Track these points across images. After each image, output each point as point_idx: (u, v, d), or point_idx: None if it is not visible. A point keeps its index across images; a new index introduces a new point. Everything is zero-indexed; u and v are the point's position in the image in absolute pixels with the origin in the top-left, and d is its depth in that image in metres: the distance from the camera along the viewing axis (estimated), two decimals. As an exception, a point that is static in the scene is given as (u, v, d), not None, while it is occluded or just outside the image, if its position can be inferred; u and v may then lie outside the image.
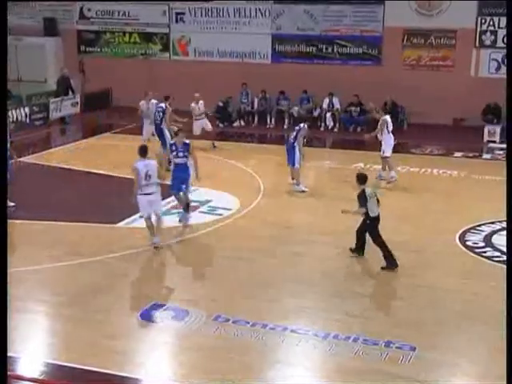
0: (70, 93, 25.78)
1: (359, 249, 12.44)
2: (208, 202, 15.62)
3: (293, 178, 16.64)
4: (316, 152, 20.89)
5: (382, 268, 11.89)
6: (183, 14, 27.00)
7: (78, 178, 17.87)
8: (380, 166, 17.59)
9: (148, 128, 19.37)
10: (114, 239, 13.64)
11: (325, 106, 24.39)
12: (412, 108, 23.61)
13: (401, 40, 24.64)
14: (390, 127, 17.39)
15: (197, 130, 20.50)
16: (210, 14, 26.60)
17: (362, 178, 12.21)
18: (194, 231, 13.86)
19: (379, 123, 17.40)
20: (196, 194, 16.11)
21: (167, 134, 18.03)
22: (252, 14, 26.07)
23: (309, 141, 18.48)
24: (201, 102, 20.80)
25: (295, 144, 16.50)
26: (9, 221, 14.19)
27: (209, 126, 20.81)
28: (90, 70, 27.76)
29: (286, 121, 24.59)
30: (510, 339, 6.96)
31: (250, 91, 25.18)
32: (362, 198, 11.95)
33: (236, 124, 24.94)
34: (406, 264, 12.08)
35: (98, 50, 28.55)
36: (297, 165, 16.41)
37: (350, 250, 12.47)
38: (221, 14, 26.42)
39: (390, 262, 11.88)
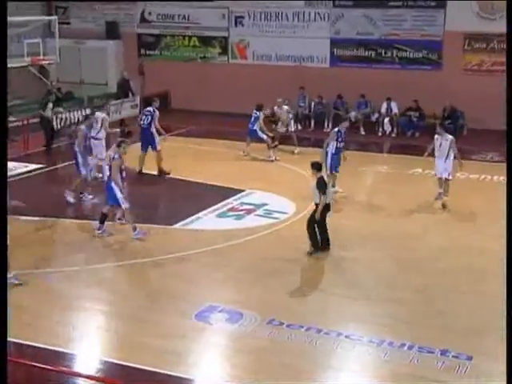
0: (130, 95, 26.11)
1: (324, 244, 12.69)
2: (264, 205, 15.61)
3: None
4: (373, 157, 20.74)
5: (309, 253, 12.54)
6: (242, 17, 27.09)
7: (136, 179, 18.05)
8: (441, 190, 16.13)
9: None
10: (170, 240, 13.76)
11: (383, 110, 24.15)
12: (472, 113, 23.19)
13: (462, 44, 24.24)
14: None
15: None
16: (269, 17, 26.63)
17: (318, 166, 12.54)
18: (250, 234, 13.86)
19: (449, 143, 15.73)
20: (252, 197, 16.17)
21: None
22: (311, 18, 26.01)
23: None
24: (285, 107, 21.04)
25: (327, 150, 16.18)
26: (68, 220, 14.56)
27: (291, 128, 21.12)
28: (150, 72, 28.10)
29: (344, 125, 24.39)
30: (510, 339, 6.84)
31: (308, 95, 25.10)
32: (322, 185, 12.28)
33: (293, 128, 24.82)
34: (468, 270, 11.88)
35: (158, 53, 28.85)
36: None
37: (309, 253, 12.62)
38: (280, 17, 26.43)
39: (315, 248, 12.54)
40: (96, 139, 16.89)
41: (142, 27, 28.78)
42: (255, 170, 18.33)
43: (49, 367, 7.88)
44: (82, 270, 12.17)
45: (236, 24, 27.29)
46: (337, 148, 16.03)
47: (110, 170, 13.57)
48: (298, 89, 25.06)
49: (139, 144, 18.08)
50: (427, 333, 9.86)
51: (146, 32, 28.79)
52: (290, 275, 11.98)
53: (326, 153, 16.03)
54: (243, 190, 16.65)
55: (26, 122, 21.31)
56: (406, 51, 25.12)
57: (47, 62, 19.62)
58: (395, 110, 24.03)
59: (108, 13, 28.92)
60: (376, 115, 24.45)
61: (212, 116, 25.52)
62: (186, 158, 19.48)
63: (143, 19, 28.71)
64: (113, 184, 13.40)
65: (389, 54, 25.37)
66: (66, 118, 23.54)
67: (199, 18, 27.73)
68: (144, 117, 18.44)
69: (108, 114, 18.05)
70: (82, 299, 11.11)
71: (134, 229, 13.53)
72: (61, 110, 23.82)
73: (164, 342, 9.61)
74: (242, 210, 15.31)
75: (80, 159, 15.60)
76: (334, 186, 15.92)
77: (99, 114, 17.40)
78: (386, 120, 24.03)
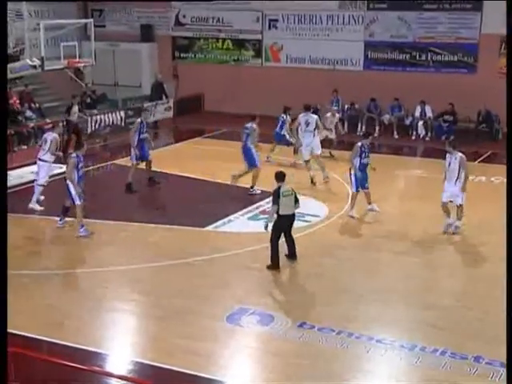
0: (164, 97, 26.27)
1: (291, 254, 12.47)
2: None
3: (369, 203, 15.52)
4: (407, 161, 20.60)
5: (268, 267, 12.10)
6: (276, 20, 27.10)
7: (168, 181, 18.15)
8: None
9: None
10: (202, 242, 13.79)
11: (417, 114, 23.97)
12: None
13: (498, 47, 23.95)
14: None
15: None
16: (302, 20, 26.59)
17: (279, 176, 12.28)
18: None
19: (458, 162, 14.29)
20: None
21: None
22: (345, 21, 25.91)
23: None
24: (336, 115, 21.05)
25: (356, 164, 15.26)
26: (99, 221, 14.68)
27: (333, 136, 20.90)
28: (184, 75, 28.24)
29: (377, 128, 24.31)
30: (510, 339, 6.79)
31: (341, 98, 25.00)
32: (274, 196, 12.04)
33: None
34: (494, 275, 11.73)
35: (192, 55, 28.97)
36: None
37: (268, 267, 12.16)
38: (314, 20, 26.37)
39: (273, 264, 12.09)
40: (42, 161, 15.77)
41: (177, 30, 28.93)
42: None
43: (80, 366, 7.93)
44: (113, 270, 12.25)
45: (270, 27, 27.31)
46: (361, 164, 15.14)
47: (67, 167, 14.05)
48: (332, 92, 24.96)
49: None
50: (460, 339, 9.75)
51: (180, 35, 28.93)
52: (322, 278, 11.93)
53: (350, 169, 15.36)
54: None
55: (61, 124, 21.52)
56: (441, 54, 24.91)
57: (83, 64, 19.79)
58: (429, 113, 23.83)
59: (143, 15, 29.13)
60: (410, 119, 24.28)
61: (245, 119, 25.50)
62: (218, 161, 19.51)
63: (178, 22, 28.85)
64: (68, 181, 13.86)
65: (423, 57, 25.17)
66: (101, 121, 23.79)
67: (233, 21, 27.79)
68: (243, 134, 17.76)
69: (59, 135, 16.74)
70: (113, 300, 11.19)
71: (81, 226, 13.86)
72: (95, 112, 24.07)
73: (195, 343, 9.63)
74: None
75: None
76: (369, 204, 15.37)
77: (48, 135, 16.06)
78: (420, 123, 23.84)
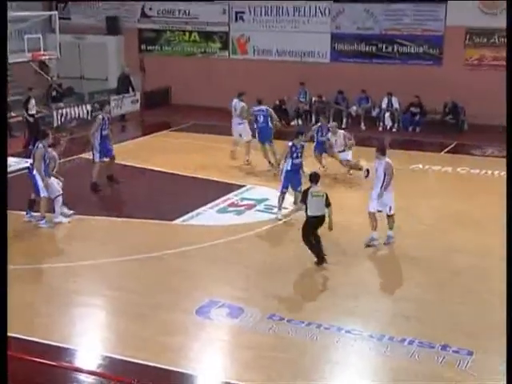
0: (131, 90, 26.14)
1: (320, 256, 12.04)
2: (264, 200, 15.63)
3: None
4: (373, 152, 20.72)
5: (316, 263, 11.97)
6: (243, 12, 27.07)
7: (136, 174, 18.09)
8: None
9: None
10: (170, 236, 13.79)
11: (384, 105, 24.16)
12: (473, 109, 23.19)
13: (463, 39, 24.23)
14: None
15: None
16: (269, 12, 26.60)
17: (312, 177, 12.11)
18: (250, 229, 13.89)
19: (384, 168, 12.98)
20: (252, 192, 16.19)
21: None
22: (311, 13, 25.98)
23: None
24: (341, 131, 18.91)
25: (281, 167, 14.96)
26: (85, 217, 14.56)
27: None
28: (150, 68, 28.10)
29: (344, 120, 24.47)
30: (510, 339, 6.86)
31: (308, 90, 25.10)
32: (303, 195, 12.07)
33: (293, 123, 24.88)
34: (465, 268, 11.90)
35: (159, 48, 28.83)
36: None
37: (316, 263, 11.99)
38: (280, 12, 26.40)
39: (318, 259, 11.98)
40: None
41: (143, 22, 28.77)
42: (256, 165, 18.34)
43: (51, 362, 7.91)
44: (83, 265, 12.20)
45: (236, 19, 27.28)
46: (293, 165, 14.46)
47: (33, 158, 13.91)
48: (299, 84, 25.05)
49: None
50: (428, 329, 9.88)
51: (146, 27, 28.78)
52: (290, 271, 11.99)
53: (281, 170, 14.72)
54: (244, 186, 16.68)
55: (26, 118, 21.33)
56: (407, 46, 25.11)
57: (48, 57, 19.61)
58: (396, 105, 24.05)
59: (109, 8, 28.90)
60: (377, 110, 24.47)
61: (213, 111, 25.51)
62: (185, 154, 19.50)
63: (144, 14, 28.69)
64: (35, 172, 13.81)
65: (390, 49, 25.35)
66: (67, 114, 23.59)
67: (199, 14, 27.72)
68: (259, 116, 18.29)
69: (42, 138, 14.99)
70: (83, 295, 11.14)
71: (43, 218, 13.94)
72: (61, 105, 23.87)
73: (165, 337, 9.64)
74: (242, 206, 15.33)
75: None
76: (295, 203, 14.36)
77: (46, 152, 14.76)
78: (387, 115, 24.04)
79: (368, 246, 12.90)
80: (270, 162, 17.91)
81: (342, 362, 9.19)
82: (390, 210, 12.89)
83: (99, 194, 16.33)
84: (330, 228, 12.01)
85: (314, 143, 17.63)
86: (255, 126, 18.48)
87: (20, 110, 22.09)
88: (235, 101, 18.91)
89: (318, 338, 9.61)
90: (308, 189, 11.98)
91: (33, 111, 20.51)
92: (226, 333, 10.03)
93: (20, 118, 20.91)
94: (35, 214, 14.16)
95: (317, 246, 12.03)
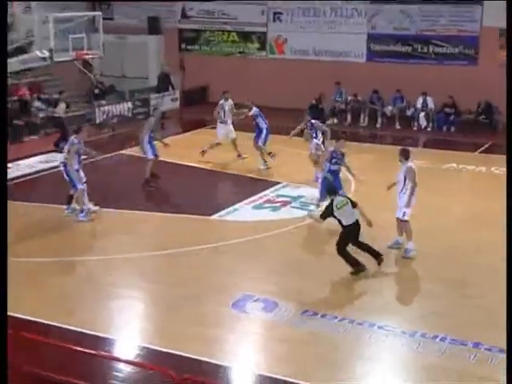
0: (170, 89, 26.25)
1: (376, 256, 11.58)
2: (300, 197, 15.58)
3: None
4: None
5: (351, 273, 11.37)
6: (281, 13, 27.01)
7: (175, 170, 18.16)
8: None
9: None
10: (207, 231, 13.81)
11: (418, 105, 23.91)
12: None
13: (498, 40, 23.85)
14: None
15: None
16: (306, 13, 26.50)
17: (330, 191, 11.81)
18: (285, 226, 13.84)
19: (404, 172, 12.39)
20: (288, 189, 16.14)
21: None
22: (348, 14, 25.82)
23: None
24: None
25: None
26: (107, 210, 14.68)
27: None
28: (190, 67, 28.19)
29: (379, 120, 24.29)
30: (510, 339, 6.78)
31: (344, 90, 24.95)
32: (327, 210, 11.53)
33: (329, 122, 24.74)
34: (497, 266, 11.72)
35: (198, 48, 28.90)
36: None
37: (351, 273, 11.42)
38: (317, 13, 26.27)
39: (355, 268, 11.38)
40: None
41: (183, 23, 28.86)
42: (292, 163, 18.27)
43: (90, 351, 7.97)
44: (121, 258, 12.28)
45: (274, 20, 27.23)
46: (330, 170, 14.14)
47: (68, 153, 14.07)
48: (335, 84, 24.92)
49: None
50: (460, 325, 9.76)
51: (186, 27, 28.87)
52: (324, 267, 11.93)
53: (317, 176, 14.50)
54: (280, 183, 16.64)
55: (70, 115, 21.53)
56: (443, 46, 24.81)
57: (91, 56, 19.75)
58: (431, 104, 23.77)
59: (150, 9, 29.05)
60: (412, 110, 24.22)
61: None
62: (224, 151, 19.50)
63: (184, 15, 28.79)
64: (69, 167, 13.96)
65: (425, 50, 25.07)
66: (109, 111, 23.79)
67: (238, 14, 27.72)
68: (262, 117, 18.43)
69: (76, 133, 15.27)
70: (122, 287, 11.22)
71: (82, 211, 14.01)
72: (103, 102, 24.07)
73: (201, 329, 9.65)
74: (278, 202, 15.30)
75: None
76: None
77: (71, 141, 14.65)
78: (422, 115, 23.79)
79: (391, 248, 12.62)
80: (265, 161, 18.03)
81: (374, 358, 9.11)
82: (403, 215, 12.29)
83: (139, 187, 16.36)
84: (370, 224, 11.58)
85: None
86: (263, 127, 18.33)
87: (47, 110, 22.28)
88: (221, 101, 18.90)
89: (351, 334, 9.54)
90: (330, 204, 11.47)
91: (60, 114, 20.23)
92: (261, 326, 10.01)
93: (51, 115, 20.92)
94: (74, 207, 14.28)
95: (370, 251, 11.55)
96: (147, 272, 11.84)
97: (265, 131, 18.24)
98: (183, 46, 29.11)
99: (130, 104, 24.57)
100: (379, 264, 11.56)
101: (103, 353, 8.75)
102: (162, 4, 28.79)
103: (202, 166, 18.28)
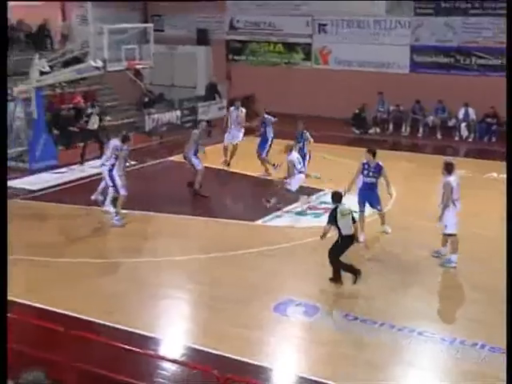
0: (217, 98, 26.40)
1: (337, 276, 11.16)
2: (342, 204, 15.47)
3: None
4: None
5: (354, 282, 11.07)
6: (325, 25, 26.97)
7: (222, 177, 18.25)
8: None
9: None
10: (252, 235, 13.83)
11: (460, 116, 23.62)
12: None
13: (541, 52, 23.43)
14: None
15: None
16: (351, 25, 26.41)
17: (335, 197, 11.30)
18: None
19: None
20: (327, 196, 16.04)
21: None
22: (392, 26, 25.65)
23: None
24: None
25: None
26: (155, 214, 14.81)
27: None
28: (236, 77, 28.33)
29: (421, 129, 24.07)
30: (510, 339, 6.66)
31: (387, 100, 24.79)
32: (331, 216, 11.13)
33: (371, 131, 24.64)
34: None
35: (245, 58, 29.03)
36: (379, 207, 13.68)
37: (330, 279, 11.18)
38: (362, 25, 26.16)
39: (355, 275, 11.10)
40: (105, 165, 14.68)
41: (231, 34, 29.04)
42: (335, 170, 18.20)
43: (136, 350, 8.04)
44: (168, 260, 12.38)
45: (319, 31, 27.20)
46: (364, 183, 13.55)
47: (116, 159, 14.14)
48: (377, 94, 24.78)
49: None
50: (499, 333, 9.58)
51: (233, 38, 29.04)
52: (365, 272, 11.82)
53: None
54: (322, 190, 16.58)
55: (120, 122, 21.81)
56: (484, 58, 24.47)
57: (142, 66, 19.96)
58: (472, 115, 23.46)
59: (199, 21, 29.30)
60: (453, 120, 23.93)
61: (294, 118, 25.49)
62: (271, 157, 19.52)
63: (232, 26, 28.96)
64: (114, 172, 14.10)
65: (467, 61, 24.76)
66: (158, 119, 24.04)
67: (284, 26, 27.76)
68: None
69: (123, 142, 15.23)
70: (168, 288, 11.30)
71: (117, 214, 14.07)
72: (152, 110, 24.32)
73: (244, 331, 9.68)
74: (320, 209, 15.25)
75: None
76: (383, 224, 13.79)
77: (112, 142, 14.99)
78: (463, 125, 23.49)
79: (434, 256, 12.39)
80: (267, 170, 17.99)
81: (414, 364, 9.01)
82: (445, 228, 12.02)
83: (186, 192, 16.41)
84: (357, 240, 11.46)
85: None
86: (269, 137, 18.26)
87: (118, 114, 22.57)
88: (232, 109, 19.09)
89: (391, 339, 9.46)
90: (335, 209, 11.14)
91: (93, 127, 19.57)
92: (302, 330, 9.99)
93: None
94: (124, 211, 14.37)
95: (348, 264, 11.23)
96: (193, 274, 11.91)
97: (269, 142, 18.16)
98: (230, 56, 29.28)
99: (178, 112, 24.79)
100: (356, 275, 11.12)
101: (149, 351, 8.82)
102: (211, 16, 29.02)
103: (247, 172, 18.32)
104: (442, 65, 25.14)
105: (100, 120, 19.69)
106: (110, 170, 14.27)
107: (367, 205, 13.59)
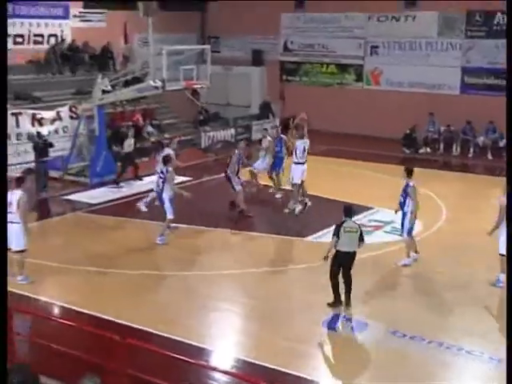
0: (271, 117, 26.48)
1: (346, 297, 10.76)
2: (391, 222, 15.28)
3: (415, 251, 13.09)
4: (500, 181, 19.90)
5: (328, 304, 10.75)
6: (377, 47, 26.84)
7: (274, 194, 18.21)
8: None
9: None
10: (302, 251, 13.76)
11: (511, 136, 23.12)
12: None
13: None
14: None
15: None
16: (403, 47, 26.22)
17: (346, 211, 10.91)
18: (377, 249, 13.61)
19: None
20: (380, 214, 15.88)
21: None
22: (443, 48, 25.37)
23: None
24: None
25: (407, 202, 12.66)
26: (209, 228, 14.85)
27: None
28: (289, 96, 28.38)
29: (471, 149, 23.66)
30: (510, 339, 6.50)
31: (437, 120, 24.46)
32: (336, 229, 10.67)
33: (422, 150, 24.33)
34: None
35: (298, 79, 29.10)
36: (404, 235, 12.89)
37: (328, 304, 10.76)
38: (413, 47, 25.95)
39: (335, 301, 10.75)
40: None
41: (285, 55, 29.15)
42: (385, 188, 18.02)
43: (189, 360, 8.04)
44: (219, 274, 12.39)
45: (371, 53, 27.09)
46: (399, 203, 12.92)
47: (164, 182, 13.84)
48: (428, 114, 24.49)
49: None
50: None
51: (287, 59, 29.14)
52: (415, 289, 11.68)
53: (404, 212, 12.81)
54: (372, 208, 16.41)
55: (178, 139, 22.01)
56: (537, 80, 23.95)
57: (199, 85, 20.17)
58: (524, 136, 22.94)
59: (254, 42, 29.51)
60: (504, 141, 23.43)
61: (346, 137, 25.42)
62: (319, 176, 19.44)
63: (286, 48, 29.08)
64: (164, 195, 13.77)
65: (519, 83, 24.27)
66: (214, 137, 24.22)
67: (337, 47, 27.74)
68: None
69: (174, 150, 16.50)
70: (220, 301, 11.31)
71: (161, 235, 13.83)
72: (208, 128, 24.53)
73: (293, 344, 9.60)
74: (370, 227, 15.08)
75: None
76: (416, 252, 13.05)
77: (167, 150, 15.99)
78: (514, 146, 22.98)
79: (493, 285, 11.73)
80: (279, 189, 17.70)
81: (460, 382, 8.78)
82: (502, 250, 11.41)
83: (250, 218, 16.27)
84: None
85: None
86: (282, 156, 17.82)
87: (175, 131, 22.83)
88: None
89: (438, 357, 9.26)
90: (342, 223, 10.71)
91: (129, 149, 19.40)
92: (350, 345, 9.87)
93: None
94: (179, 224, 14.41)
95: (346, 289, 10.78)
96: (244, 287, 11.90)
97: (284, 160, 17.71)
98: (284, 76, 29.37)
99: (232, 130, 24.93)
100: (329, 305, 10.73)
101: (202, 362, 8.82)
102: (266, 38, 29.21)
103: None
104: (492, 86, 24.70)
105: (135, 144, 19.88)
106: (160, 193, 14.03)
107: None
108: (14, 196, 11.23)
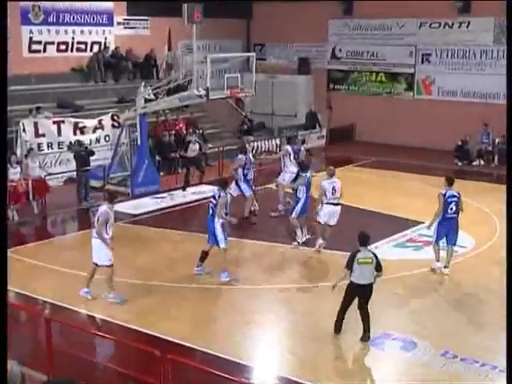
0: (317, 127, 26.46)
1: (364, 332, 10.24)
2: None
3: None
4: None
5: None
6: (429, 55, 26.63)
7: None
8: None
9: None
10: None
11: None
12: None
13: None
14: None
15: None
16: (455, 55, 25.96)
17: (361, 239, 10.32)
18: (427, 265, 13.44)
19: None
20: (431, 229, 15.68)
21: None
22: (498, 56, 25.02)
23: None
24: None
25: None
26: (251, 241, 14.84)
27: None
28: (337, 106, 28.32)
29: (527, 162, 23.22)
30: (510, 339, 6.49)
31: (492, 131, 24.10)
32: (349, 259, 10.16)
33: (475, 163, 24.00)
34: None
35: (346, 87, 29.02)
36: None
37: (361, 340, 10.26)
38: (467, 55, 25.68)
39: (335, 329, 10.39)
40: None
41: (332, 63, 29.12)
42: (436, 201, 17.81)
43: (229, 377, 8.04)
44: (262, 288, 12.39)
45: (423, 61, 26.87)
46: (444, 218, 12.91)
47: (214, 208, 12.59)
48: (482, 125, 24.16)
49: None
50: None
51: (335, 68, 29.10)
52: (467, 308, 11.49)
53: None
54: (423, 222, 16.21)
55: (221, 149, 22.18)
56: None
57: (244, 94, 20.26)
58: None
59: (301, 50, 29.56)
60: None
61: (395, 148, 25.23)
62: (367, 189, 19.34)
63: (334, 56, 29.05)
64: (216, 221, 12.55)
65: None
66: (258, 147, 24.28)
67: (387, 55, 27.60)
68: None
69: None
70: (262, 315, 11.30)
71: (224, 271, 12.66)
72: (251, 138, 24.59)
73: (339, 363, 9.58)
74: (420, 242, 14.92)
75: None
76: (446, 267, 13.03)
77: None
78: None
79: None
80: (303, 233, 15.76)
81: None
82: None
83: (282, 221, 16.43)
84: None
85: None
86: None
87: (219, 140, 22.96)
88: (289, 147, 17.54)
89: (492, 380, 9.08)
90: (356, 253, 10.20)
91: (191, 154, 19.81)
92: (398, 365, 9.75)
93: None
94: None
95: (363, 319, 10.28)
96: (290, 303, 11.87)
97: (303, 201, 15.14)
98: (331, 85, 29.33)
99: (277, 140, 24.95)
100: (361, 339, 10.22)
101: (242, 379, 8.81)
102: (313, 45, 29.23)
103: (344, 202, 18.12)
104: (551, 96, 24.26)
105: (200, 147, 20.13)
106: (212, 217, 12.68)
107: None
108: (100, 210, 11.66)
